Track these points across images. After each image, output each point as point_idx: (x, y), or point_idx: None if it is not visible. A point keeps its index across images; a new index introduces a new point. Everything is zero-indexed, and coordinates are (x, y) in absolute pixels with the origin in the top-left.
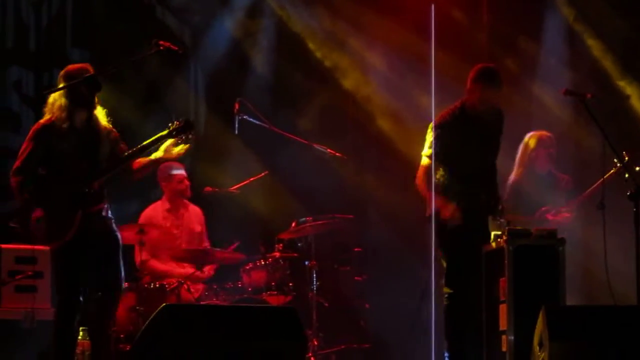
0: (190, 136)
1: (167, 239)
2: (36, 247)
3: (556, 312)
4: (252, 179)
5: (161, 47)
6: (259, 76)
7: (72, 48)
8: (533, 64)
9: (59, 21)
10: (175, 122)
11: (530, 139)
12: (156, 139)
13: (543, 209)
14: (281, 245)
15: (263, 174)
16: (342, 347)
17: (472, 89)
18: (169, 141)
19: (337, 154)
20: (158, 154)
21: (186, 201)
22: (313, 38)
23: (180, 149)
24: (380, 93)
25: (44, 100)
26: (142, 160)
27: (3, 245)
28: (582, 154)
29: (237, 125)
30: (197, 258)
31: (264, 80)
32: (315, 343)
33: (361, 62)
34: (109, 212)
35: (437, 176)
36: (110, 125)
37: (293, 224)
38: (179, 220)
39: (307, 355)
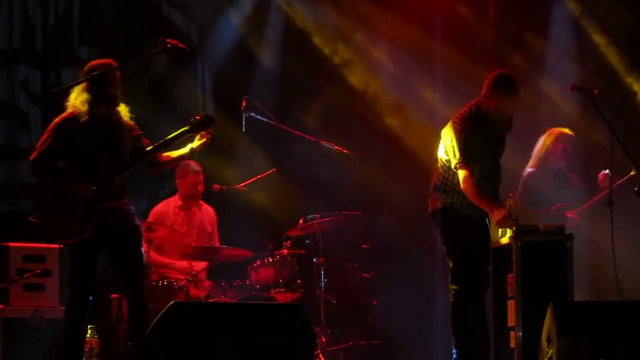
0: (210, 130)
1: (176, 237)
2: (44, 245)
3: (564, 308)
4: (259, 176)
5: (168, 45)
6: (265, 73)
7: (79, 46)
8: (540, 59)
9: (66, 20)
10: (196, 117)
11: (549, 133)
12: (178, 134)
13: (557, 205)
14: (289, 242)
15: (270, 171)
16: (350, 343)
17: (488, 96)
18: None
19: (344, 150)
20: (192, 144)
21: (200, 200)
22: (320, 34)
23: (203, 141)
24: (387, 90)
25: (51, 99)
26: (171, 153)
27: (11, 244)
28: (589, 150)
29: (244, 123)
30: (205, 255)
31: (271, 77)
32: (323, 340)
33: (368, 58)
34: (131, 206)
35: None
36: (133, 122)
37: (300, 221)
38: (189, 219)
39: (315, 352)
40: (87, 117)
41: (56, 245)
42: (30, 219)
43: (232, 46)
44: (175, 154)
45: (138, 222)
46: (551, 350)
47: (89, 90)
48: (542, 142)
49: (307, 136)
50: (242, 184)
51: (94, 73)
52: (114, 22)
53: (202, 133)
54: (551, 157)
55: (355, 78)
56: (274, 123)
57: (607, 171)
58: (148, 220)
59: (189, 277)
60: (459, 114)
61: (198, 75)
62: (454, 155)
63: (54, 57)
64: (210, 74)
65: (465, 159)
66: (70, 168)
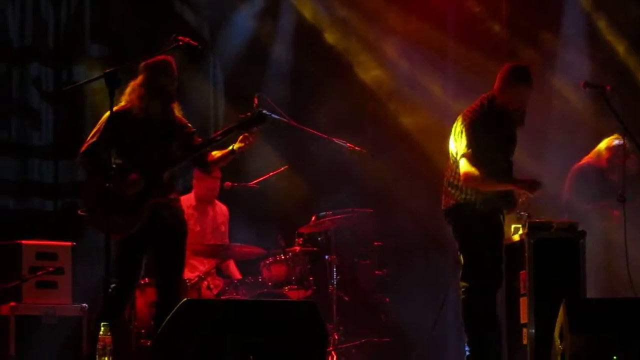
0: (259, 128)
1: (190, 236)
2: (57, 242)
3: (577, 305)
4: (271, 173)
5: (180, 43)
6: (277, 70)
7: (91, 44)
8: (552, 55)
9: (78, 17)
10: (247, 113)
11: (614, 139)
12: (227, 130)
13: (606, 202)
14: (301, 239)
15: (282, 168)
16: (363, 340)
17: (503, 88)
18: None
19: (356, 147)
20: (236, 144)
21: (215, 199)
22: (332, 31)
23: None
24: (399, 86)
25: (63, 97)
26: (219, 152)
27: (24, 241)
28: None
29: None
30: (217, 252)
31: (283, 74)
32: (336, 337)
33: (380, 55)
34: (179, 203)
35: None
36: (185, 120)
37: (313, 218)
38: (202, 217)
39: (327, 350)
40: (139, 111)
41: (69, 243)
42: (79, 212)
43: (244, 43)
44: (219, 153)
45: (184, 220)
46: (564, 347)
47: (144, 85)
48: (600, 147)
49: (319, 133)
50: (254, 182)
51: (152, 69)
52: (125, 19)
53: (246, 134)
54: (601, 160)
55: (368, 75)
56: (286, 120)
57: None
58: None
59: (201, 274)
60: (470, 107)
61: (210, 73)
62: (461, 146)
63: (66, 54)
64: (223, 71)
65: (473, 151)
66: (118, 162)
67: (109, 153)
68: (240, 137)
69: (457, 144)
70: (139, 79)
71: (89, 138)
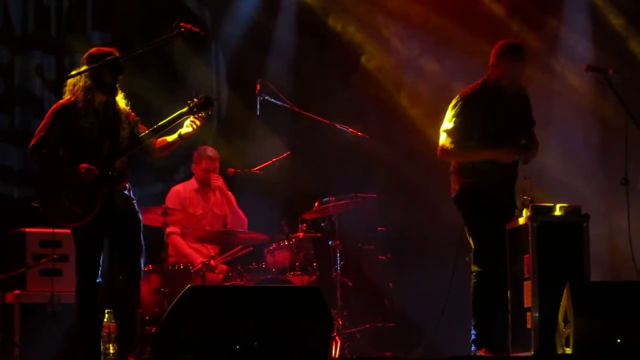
0: (209, 112)
1: (192, 220)
2: (61, 230)
3: (581, 289)
4: (274, 159)
5: (182, 30)
6: (280, 56)
7: (93, 32)
8: (555, 39)
9: (80, 5)
10: (194, 99)
11: None
12: (176, 117)
13: None
14: (305, 225)
15: (285, 154)
16: (367, 326)
17: (496, 63)
18: (191, 117)
19: (359, 133)
20: (183, 130)
21: (222, 186)
22: (335, 17)
23: (194, 127)
24: (402, 72)
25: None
26: (167, 138)
27: (28, 229)
28: (604, 130)
29: (259, 106)
30: (221, 239)
31: (285, 60)
32: (340, 322)
33: (384, 41)
34: (132, 192)
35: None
36: (129, 109)
37: (316, 204)
38: (205, 202)
39: (332, 335)
40: (85, 104)
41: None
42: (33, 204)
43: (246, 30)
44: (166, 140)
45: (138, 208)
46: (568, 331)
47: (90, 77)
48: None
49: (321, 119)
50: (257, 168)
51: (95, 60)
52: (127, 7)
53: (192, 119)
54: None
55: (370, 60)
56: (289, 106)
57: None
58: (166, 200)
59: (205, 260)
60: (463, 89)
61: (212, 59)
62: (445, 122)
63: (69, 42)
64: (225, 57)
65: (455, 126)
66: (69, 154)
67: (58, 146)
68: (187, 122)
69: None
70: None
71: (37, 132)
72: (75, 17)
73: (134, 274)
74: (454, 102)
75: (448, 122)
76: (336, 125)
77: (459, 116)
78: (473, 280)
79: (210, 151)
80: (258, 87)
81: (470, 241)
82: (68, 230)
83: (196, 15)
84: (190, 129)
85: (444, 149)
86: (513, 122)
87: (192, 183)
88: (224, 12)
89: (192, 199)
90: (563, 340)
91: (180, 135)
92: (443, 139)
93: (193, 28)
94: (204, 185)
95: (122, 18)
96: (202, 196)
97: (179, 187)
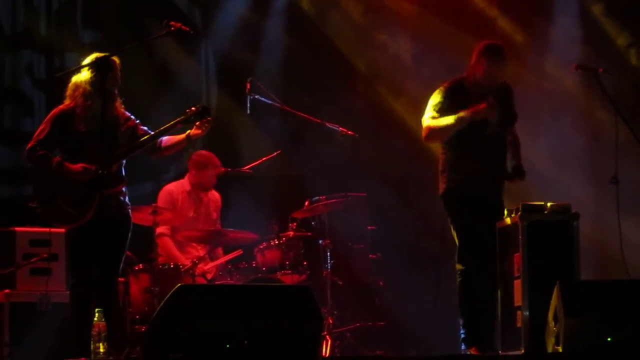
0: (206, 121)
1: (181, 220)
2: (51, 229)
3: (571, 287)
4: (264, 158)
5: (172, 28)
6: (270, 55)
7: (83, 30)
8: (544, 38)
9: (70, 4)
10: (192, 108)
11: None
12: (173, 124)
13: None
14: (295, 224)
15: (275, 153)
16: (357, 325)
17: (476, 63)
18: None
19: (349, 132)
20: (192, 131)
21: None
22: (324, 16)
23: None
24: (391, 70)
25: (56, 84)
26: (174, 137)
27: (17, 228)
28: (594, 129)
29: (248, 105)
30: (210, 239)
31: (275, 60)
32: (330, 321)
33: (373, 39)
34: (127, 197)
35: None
36: (128, 113)
37: (306, 203)
38: (197, 204)
39: (322, 334)
40: (83, 110)
41: (62, 230)
42: (30, 205)
43: (236, 29)
44: (174, 139)
45: (130, 214)
46: (558, 330)
47: (88, 83)
48: None
49: (311, 118)
50: (248, 167)
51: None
52: (117, 6)
53: (198, 123)
54: None
55: (360, 59)
56: (279, 105)
57: None
58: (158, 200)
59: (195, 260)
60: (443, 84)
61: (202, 58)
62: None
63: (58, 41)
64: (214, 56)
65: (432, 115)
66: (66, 157)
67: (56, 149)
68: (198, 123)
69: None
70: (84, 76)
71: (35, 135)
72: (65, 15)
73: (110, 276)
74: (434, 94)
75: (428, 112)
76: (326, 124)
77: (438, 105)
78: (458, 279)
79: (216, 160)
80: (248, 86)
81: (455, 239)
82: (58, 230)
83: (186, 14)
84: (199, 131)
85: (425, 130)
86: (490, 122)
87: (183, 184)
88: (214, 11)
89: (184, 200)
90: (553, 339)
91: (188, 136)
92: (424, 124)
93: (183, 27)
94: (199, 188)
95: (112, 17)
96: (194, 198)
97: (170, 187)
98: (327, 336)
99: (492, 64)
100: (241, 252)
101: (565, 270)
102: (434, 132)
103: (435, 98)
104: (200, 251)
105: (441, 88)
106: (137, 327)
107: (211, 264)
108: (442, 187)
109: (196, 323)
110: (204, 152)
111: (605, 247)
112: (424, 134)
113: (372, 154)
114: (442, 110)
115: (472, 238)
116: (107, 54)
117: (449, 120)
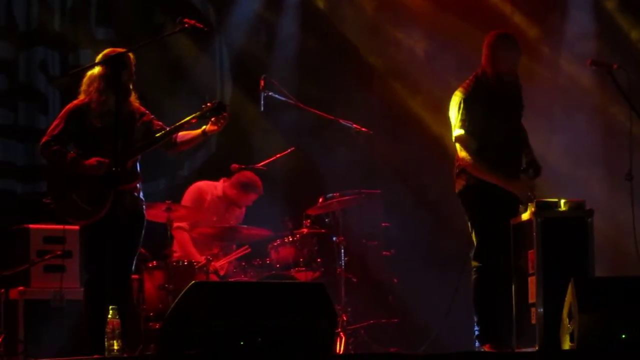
0: (222, 117)
1: (194, 217)
2: (64, 226)
3: (585, 284)
4: (278, 155)
5: (186, 25)
6: (284, 52)
7: (97, 27)
8: (558, 34)
9: (84, 1)
10: (208, 104)
11: None
12: (189, 120)
13: None
14: (309, 221)
15: (289, 150)
16: (371, 322)
17: (491, 54)
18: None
19: (363, 129)
20: (208, 127)
21: None
22: (338, 12)
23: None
24: (406, 67)
25: (69, 81)
26: (190, 133)
27: (31, 225)
28: (607, 125)
29: (262, 102)
30: (225, 235)
31: (289, 56)
32: (344, 318)
33: (387, 36)
34: (141, 193)
35: (473, 149)
36: (143, 108)
37: (320, 200)
38: (222, 212)
39: (336, 331)
40: (98, 105)
41: (76, 227)
42: (44, 201)
43: (250, 25)
44: (190, 135)
45: (144, 211)
46: (572, 326)
47: (102, 78)
48: None
49: (325, 115)
50: (262, 164)
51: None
52: (131, 2)
53: (214, 119)
54: None
55: (374, 56)
56: (293, 102)
57: None
58: (186, 193)
59: (209, 257)
60: (462, 86)
61: (216, 55)
62: (454, 129)
63: (72, 38)
64: (229, 53)
65: (465, 131)
66: (81, 153)
67: (70, 144)
68: (213, 119)
69: (451, 125)
70: (98, 71)
71: (50, 130)
72: (79, 12)
73: (124, 273)
74: (456, 101)
75: (458, 127)
76: (340, 121)
77: (464, 116)
78: (473, 276)
79: (260, 184)
80: (262, 83)
81: (473, 236)
82: (72, 227)
83: (200, 10)
84: (215, 127)
85: (465, 162)
86: (508, 113)
87: (217, 187)
88: (228, 8)
89: (212, 202)
90: (568, 336)
91: (204, 132)
92: (460, 151)
93: (197, 24)
94: (233, 204)
95: (126, 14)
96: (223, 206)
97: (202, 185)
98: (341, 333)
99: (509, 53)
100: (249, 249)
101: (580, 267)
102: (471, 171)
103: (460, 111)
104: (214, 248)
105: (461, 96)
106: (151, 324)
107: (223, 260)
108: (460, 184)
109: (210, 320)
110: (252, 175)
111: (619, 244)
112: (462, 164)
113: (386, 151)
114: (471, 124)
115: (491, 235)
116: (122, 50)
117: (485, 174)
